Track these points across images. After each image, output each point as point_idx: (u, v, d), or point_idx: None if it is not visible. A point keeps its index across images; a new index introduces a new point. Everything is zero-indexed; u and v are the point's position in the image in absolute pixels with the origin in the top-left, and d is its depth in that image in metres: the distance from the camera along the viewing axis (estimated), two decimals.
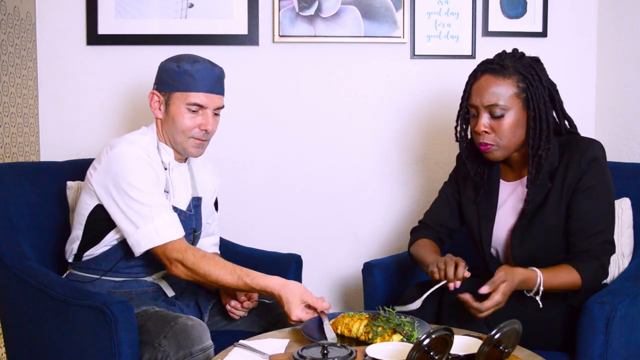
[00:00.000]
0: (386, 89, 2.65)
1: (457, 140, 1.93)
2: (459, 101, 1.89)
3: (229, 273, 1.73)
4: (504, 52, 1.85)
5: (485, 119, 1.80)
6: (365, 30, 2.57)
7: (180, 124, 1.86)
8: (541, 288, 1.71)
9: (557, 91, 1.86)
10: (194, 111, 1.86)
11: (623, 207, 2.06)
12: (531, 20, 2.62)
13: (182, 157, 1.97)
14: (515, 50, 1.85)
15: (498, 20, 2.62)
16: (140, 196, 1.76)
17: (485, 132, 1.81)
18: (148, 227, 1.75)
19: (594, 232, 1.79)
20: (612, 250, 1.82)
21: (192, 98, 1.84)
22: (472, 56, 2.61)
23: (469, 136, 1.93)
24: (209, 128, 1.87)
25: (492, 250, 1.95)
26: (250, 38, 2.57)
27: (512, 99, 1.78)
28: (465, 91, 1.87)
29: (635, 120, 2.40)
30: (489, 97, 1.79)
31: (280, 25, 2.55)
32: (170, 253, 1.75)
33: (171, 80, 1.85)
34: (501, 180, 1.95)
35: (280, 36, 2.56)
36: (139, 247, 1.77)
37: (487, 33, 2.62)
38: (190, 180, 2.00)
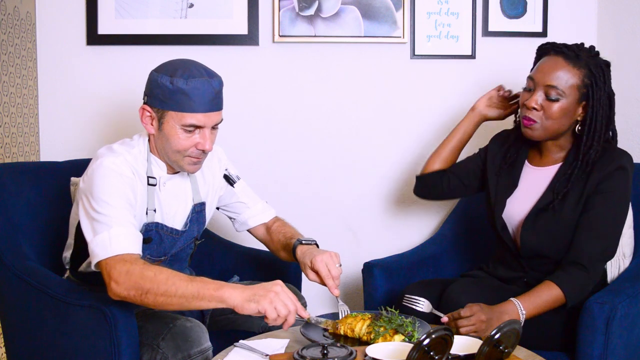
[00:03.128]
0: (386, 89, 2.64)
1: (517, 110, 2.00)
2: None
3: (185, 279, 1.53)
4: (582, 44, 1.87)
5: (539, 97, 1.83)
6: (365, 30, 2.57)
7: (176, 145, 1.71)
8: (523, 317, 1.72)
9: (614, 100, 1.87)
10: (190, 131, 1.71)
11: None
12: (531, 20, 2.62)
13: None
14: (592, 47, 1.87)
15: (498, 20, 2.62)
16: (102, 208, 1.63)
17: (535, 108, 1.83)
18: (104, 234, 1.59)
19: (598, 235, 1.80)
20: (611, 256, 1.84)
21: (188, 119, 1.68)
22: (472, 56, 2.60)
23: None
24: (207, 148, 1.72)
25: (510, 231, 1.96)
26: (250, 38, 2.57)
27: (571, 89, 1.81)
28: (534, 63, 1.90)
29: (635, 120, 2.40)
30: (551, 78, 1.81)
31: (280, 25, 2.55)
32: (118, 265, 1.55)
33: (164, 97, 1.68)
34: (526, 162, 1.98)
35: (280, 36, 2.56)
36: (95, 256, 1.59)
37: (487, 33, 2.61)
38: (192, 186, 1.90)
